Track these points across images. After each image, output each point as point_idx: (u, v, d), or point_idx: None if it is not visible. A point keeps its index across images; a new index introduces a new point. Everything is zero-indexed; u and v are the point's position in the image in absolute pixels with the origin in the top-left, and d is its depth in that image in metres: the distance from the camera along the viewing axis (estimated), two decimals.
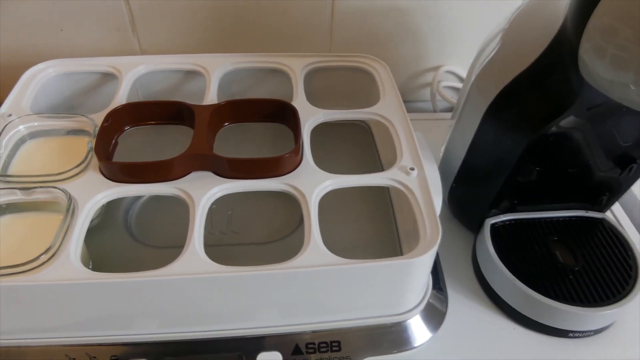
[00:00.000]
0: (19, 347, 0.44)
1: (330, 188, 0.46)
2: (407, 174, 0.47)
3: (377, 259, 0.40)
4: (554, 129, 0.46)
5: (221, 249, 0.55)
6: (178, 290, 0.40)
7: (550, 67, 0.43)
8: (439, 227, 0.42)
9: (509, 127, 0.47)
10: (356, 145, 0.64)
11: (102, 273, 0.39)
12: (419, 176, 0.47)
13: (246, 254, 0.54)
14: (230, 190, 0.46)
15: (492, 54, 0.48)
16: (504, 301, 0.52)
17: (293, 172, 0.47)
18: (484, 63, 0.50)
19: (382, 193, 0.58)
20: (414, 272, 0.42)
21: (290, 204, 0.59)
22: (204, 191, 0.45)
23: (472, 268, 0.57)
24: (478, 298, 0.54)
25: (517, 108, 0.46)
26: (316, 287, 0.42)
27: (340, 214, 0.57)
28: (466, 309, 0.53)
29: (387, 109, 0.54)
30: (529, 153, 0.47)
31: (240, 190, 0.46)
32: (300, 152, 0.48)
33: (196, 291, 0.40)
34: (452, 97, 0.74)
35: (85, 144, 0.49)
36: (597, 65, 0.37)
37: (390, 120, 0.53)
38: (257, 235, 0.56)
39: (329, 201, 0.47)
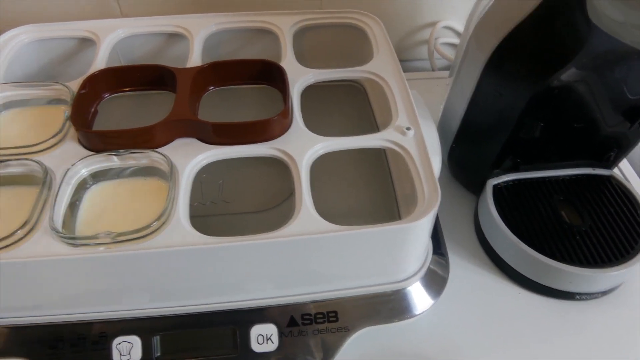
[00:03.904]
0: (4, 325, 0.42)
1: (322, 152, 0.44)
2: (403, 134, 0.44)
3: (372, 225, 0.38)
4: (558, 80, 0.43)
5: (213, 219, 0.53)
6: (164, 264, 0.38)
7: (554, 11, 0.39)
8: (438, 189, 0.40)
9: (510, 80, 0.44)
10: (351, 108, 0.61)
11: (86, 248, 0.37)
12: (415, 136, 0.44)
13: (239, 223, 0.52)
14: (216, 158, 0.43)
15: (491, 2, 0.45)
16: (507, 264, 0.50)
17: (282, 137, 0.44)
18: (483, 13, 0.46)
19: (379, 156, 0.55)
20: (412, 237, 0.40)
21: (283, 170, 0.56)
22: (188, 159, 0.42)
23: (474, 231, 0.55)
24: (481, 262, 0.52)
25: (519, 59, 0.43)
26: (309, 256, 0.40)
27: (335, 179, 0.54)
28: (469, 274, 0.51)
29: (380, 67, 0.51)
30: (531, 107, 0.44)
31: (227, 157, 0.43)
32: (290, 114, 0.45)
33: (183, 264, 0.38)
34: (451, 55, 0.71)
35: (62, 113, 0.47)
36: (606, 5, 0.33)
37: (384, 78, 0.50)
38: (250, 204, 0.54)
39: (323, 166, 0.45)
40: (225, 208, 0.54)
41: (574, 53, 0.39)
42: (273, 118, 0.43)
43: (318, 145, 0.43)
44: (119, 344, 0.42)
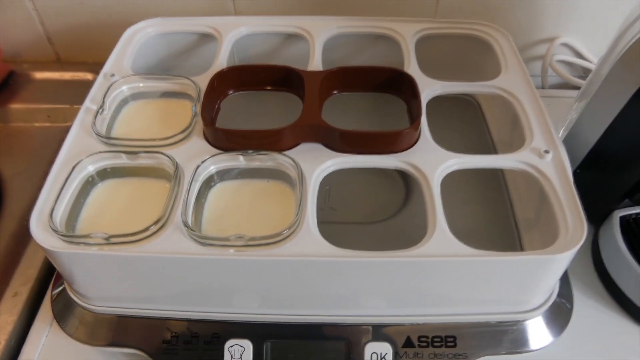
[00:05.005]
0: (121, 316, 0.43)
1: (455, 168, 0.42)
2: (541, 156, 0.42)
3: (514, 253, 0.36)
4: None
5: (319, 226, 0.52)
6: (292, 272, 0.37)
7: None
8: (584, 221, 0.37)
9: None
10: (463, 123, 0.58)
11: (216, 248, 0.37)
12: (554, 160, 0.42)
13: (347, 234, 0.51)
14: (343, 165, 0.42)
15: None
16: (633, 304, 0.46)
17: (411, 149, 0.43)
18: (637, 35, 0.43)
19: (494, 175, 0.53)
20: (551, 269, 0.38)
21: (391, 182, 0.55)
22: (314, 165, 0.42)
23: (591, 263, 0.52)
24: (599, 297, 0.49)
25: None
26: (438, 277, 0.38)
27: (446, 196, 0.53)
28: (586, 309, 0.48)
29: (511, 83, 0.48)
30: None
31: (355, 166, 0.42)
32: (420, 127, 0.44)
33: (311, 274, 0.37)
34: (567, 73, 0.67)
35: (186, 107, 0.47)
36: None
37: (516, 96, 0.47)
38: (357, 215, 0.52)
39: None
40: (331, 216, 0.53)
41: None
42: (405, 130, 0.42)
43: (450, 161, 0.42)
44: (231, 346, 0.41)
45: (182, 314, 0.42)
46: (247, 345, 0.41)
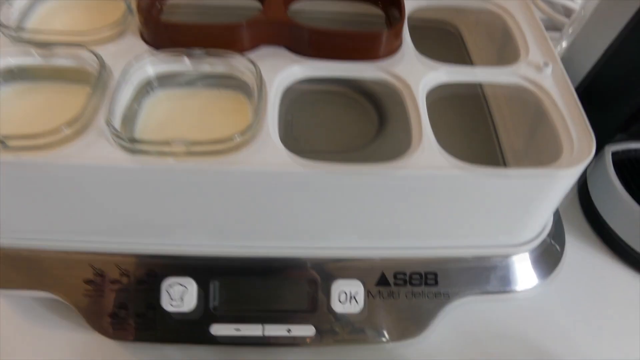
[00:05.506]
0: (30, 250, 0.34)
1: (444, 79, 0.35)
2: (540, 70, 0.36)
3: (517, 168, 0.31)
4: None
5: None
6: (247, 187, 0.30)
7: None
8: (591, 133, 0.32)
9: None
10: (444, 56, 0.52)
11: (150, 156, 0.29)
12: (554, 73, 0.36)
13: None
14: (311, 72, 0.35)
15: None
16: (627, 245, 0.42)
17: (390, 58, 0.36)
18: None
19: (477, 103, 0.47)
20: (553, 190, 0.32)
21: (362, 111, 0.49)
22: (276, 70, 0.34)
23: (578, 205, 0.47)
24: (591, 241, 0.45)
25: None
26: (423, 198, 0.32)
27: None
28: (580, 254, 0.44)
29: None
30: None
31: (326, 74, 0.35)
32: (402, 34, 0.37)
33: (266, 190, 0.31)
34: (551, 11, 0.62)
35: (122, 8, 0.38)
36: None
37: (507, 9, 0.41)
38: (324, 146, 0.45)
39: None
40: (294, 147, 0.46)
41: None
42: (384, 32, 0.35)
43: (437, 72, 0.35)
44: (170, 286, 0.34)
45: (108, 247, 0.34)
46: (190, 284, 0.34)
